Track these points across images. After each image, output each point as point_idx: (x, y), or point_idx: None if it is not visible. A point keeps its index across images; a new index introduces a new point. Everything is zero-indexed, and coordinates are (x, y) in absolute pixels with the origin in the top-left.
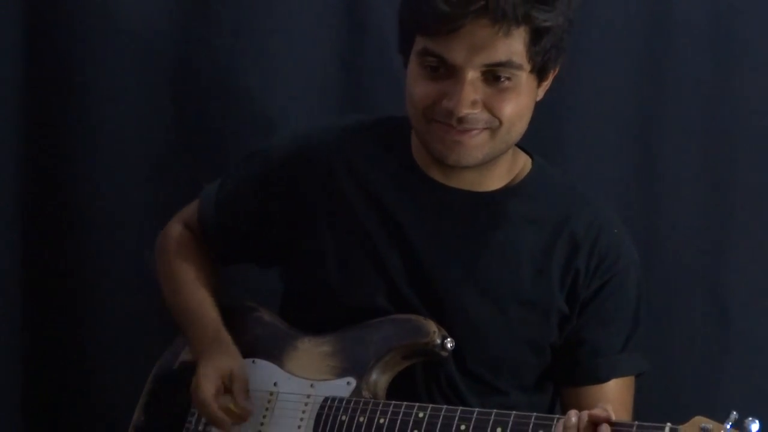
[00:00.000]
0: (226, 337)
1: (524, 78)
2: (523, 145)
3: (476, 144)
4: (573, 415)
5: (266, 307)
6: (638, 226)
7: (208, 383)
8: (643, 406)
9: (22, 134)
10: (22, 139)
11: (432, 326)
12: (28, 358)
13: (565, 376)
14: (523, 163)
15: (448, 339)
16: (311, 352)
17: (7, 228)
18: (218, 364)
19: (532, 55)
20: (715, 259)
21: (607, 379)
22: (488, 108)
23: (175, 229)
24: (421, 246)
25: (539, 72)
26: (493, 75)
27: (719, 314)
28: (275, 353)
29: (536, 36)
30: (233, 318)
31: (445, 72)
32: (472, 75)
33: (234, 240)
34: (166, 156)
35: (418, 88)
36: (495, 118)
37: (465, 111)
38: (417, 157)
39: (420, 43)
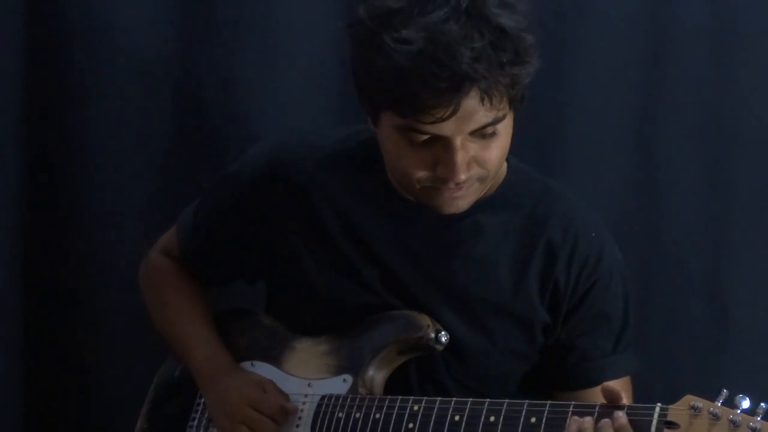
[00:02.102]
0: (232, 360)
1: (506, 120)
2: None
3: (471, 193)
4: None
5: (263, 311)
6: (638, 226)
7: (234, 398)
8: None
9: (22, 134)
10: (22, 139)
11: (426, 320)
12: (28, 361)
13: (557, 382)
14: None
15: (443, 332)
16: (308, 352)
17: (7, 227)
18: (236, 382)
19: (512, 100)
20: (715, 259)
21: (598, 383)
22: (478, 162)
23: (157, 259)
24: (399, 267)
25: (518, 104)
26: (480, 133)
27: (719, 314)
28: (273, 355)
29: (518, 87)
30: (233, 322)
31: (431, 139)
32: (461, 140)
33: (215, 263)
34: (166, 156)
35: (405, 159)
36: (485, 170)
37: (463, 176)
38: (391, 176)
39: (398, 119)
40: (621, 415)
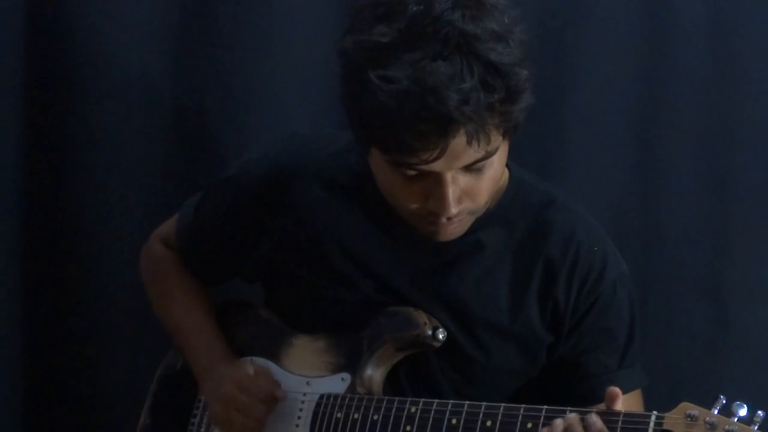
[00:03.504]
0: (229, 350)
1: (500, 150)
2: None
3: (462, 224)
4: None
5: (262, 303)
6: (638, 227)
7: (226, 385)
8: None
9: (22, 135)
10: (22, 140)
11: (423, 317)
12: (28, 359)
13: (563, 399)
14: (500, 182)
15: (440, 329)
16: (307, 349)
17: (7, 227)
18: (229, 370)
19: (506, 131)
20: (715, 259)
21: (603, 400)
22: (469, 195)
23: (158, 249)
24: (397, 282)
25: (513, 132)
26: (472, 167)
27: (719, 314)
28: (272, 350)
29: (510, 123)
30: (230, 315)
31: (422, 172)
32: (452, 174)
33: (213, 264)
34: (166, 156)
35: (396, 191)
36: (476, 204)
37: (454, 211)
38: None
39: (386, 156)
40: (594, 417)
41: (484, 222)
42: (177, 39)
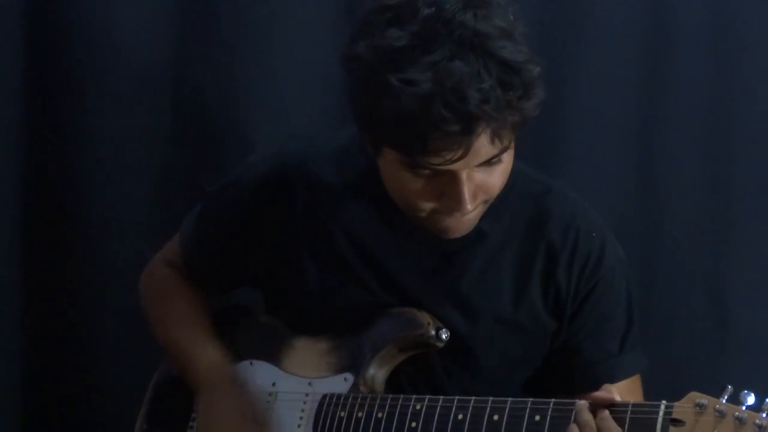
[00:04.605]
0: (230, 374)
1: (511, 146)
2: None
3: (475, 216)
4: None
5: (261, 307)
6: (638, 226)
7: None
8: None
9: (22, 135)
10: (22, 141)
11: (426, 318)
12: (28, 362)
13: (565, 385)
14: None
15: (443, 329)
16: (308, 350)
17: (7, 229)
18: (229, 403)
19: (518, 127)
20: (715, 259)
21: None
22: (483, 189)
23: (159, 269)
24: (401, 275)
25: (522, 128)
26: (486, 162)
27: (719, 314)
28: (273, 353)
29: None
30: (231, 321)
31: (437, 171)
32: (467, 172)
33: (220, 272)
34: (166, 157)
35: (409, 191)
36: (489, 195)
37: (470, 207)
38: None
39: (403, 157)
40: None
41: (485, 212)
42: (177, 39)
